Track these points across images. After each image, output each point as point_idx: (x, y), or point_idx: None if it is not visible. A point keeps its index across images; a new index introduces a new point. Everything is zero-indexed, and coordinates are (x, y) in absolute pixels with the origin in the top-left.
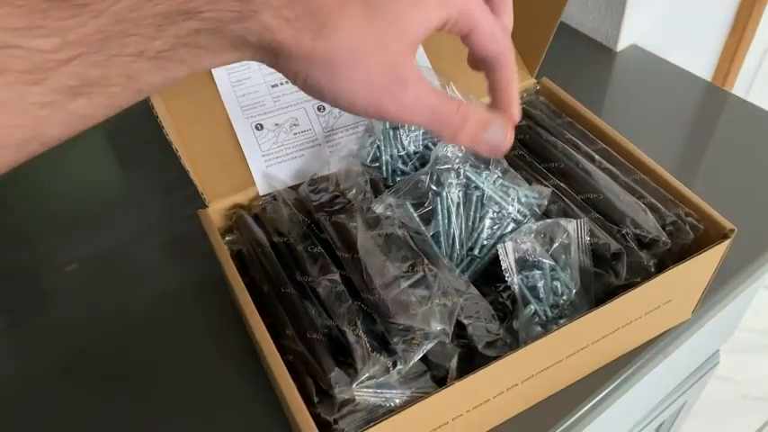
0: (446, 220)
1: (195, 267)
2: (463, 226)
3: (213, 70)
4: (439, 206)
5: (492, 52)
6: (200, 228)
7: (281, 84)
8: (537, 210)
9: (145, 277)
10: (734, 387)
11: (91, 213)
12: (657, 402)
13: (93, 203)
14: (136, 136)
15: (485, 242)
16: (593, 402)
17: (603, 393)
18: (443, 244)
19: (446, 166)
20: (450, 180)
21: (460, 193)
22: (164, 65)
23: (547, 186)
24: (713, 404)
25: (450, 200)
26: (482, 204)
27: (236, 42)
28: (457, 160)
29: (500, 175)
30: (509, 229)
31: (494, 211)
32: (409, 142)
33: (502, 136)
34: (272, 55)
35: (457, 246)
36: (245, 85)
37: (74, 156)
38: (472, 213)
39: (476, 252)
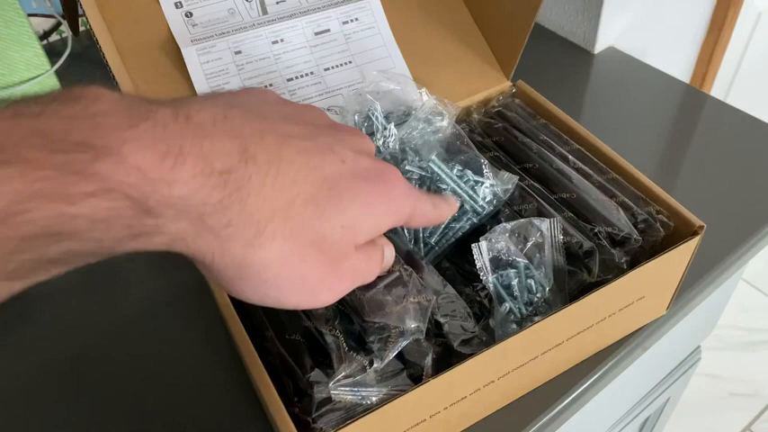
0: None
1: (180, 275)
2: None
3: (191, 74)
4: None
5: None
6: None
7: None
8: (502, 196)
9: (130, 284)
10: (721, 384)
11: None
12: (640, 398)
13: None
14: None
15: (440, 232)
16: (571, 397)
17: (582, 388)
18: (404, 229)
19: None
20: (407, 167)
21: (417, 181)
22: (20, 280)
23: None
24: (701, 401)
25: None
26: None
27: (131, 251)
28: (424, 144)
29: (460, 168)
30: (468, 221)
31: None
32: (386, 147)
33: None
34: (187, 257)
35: (412, 233)
36: (224, 89)
37: None
38: None
39: (431, 241)
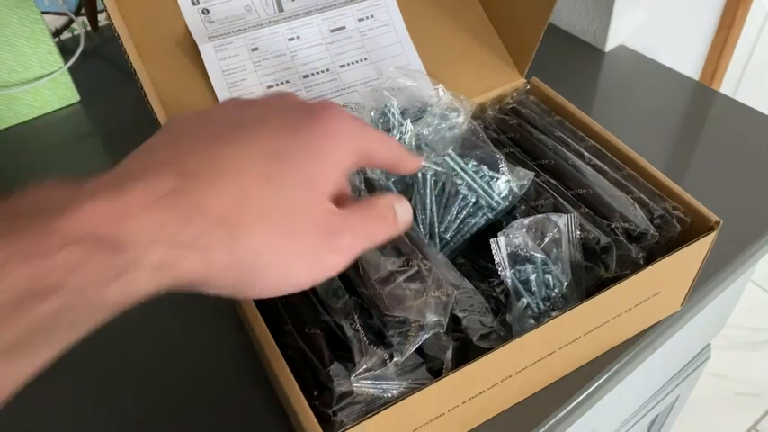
0: (418, 203)
1: None
2: (435, 209)
3: (208, 70)
4: (415, 186)
5: (394, 161)
6: None
7: (277, 85)
8: (517, 192)
9: None
10: (727, 384)
11: None
12: (651, 396)
13: None
14: (132, 140)
15: (455, 227)
16: (586, 393)
17: (597, 384)
18: (419, 223)
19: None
20: (423, 162)
21: (432, 177)
22: (23, 353)
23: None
24: (706, 400)
25: (423, 181)
26: (457, 190)
27: (122, 299)
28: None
29: (476, 164)
30: (483, 217)
31: (468, 199)
32: (402, 141)
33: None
34: (185, 287)
35: (428, 227)
36: (241, 86)
37: (70, 158)
38: (445, 198)
39: (447, 236)
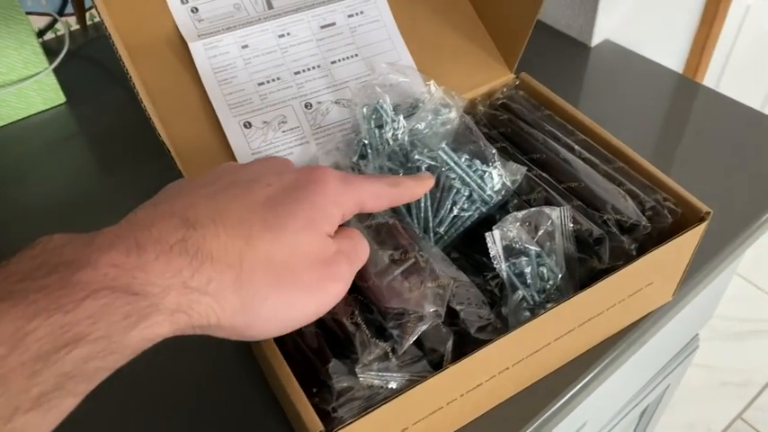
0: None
1: None
2: (429, 203)
3: (198, 69)
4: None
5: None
6: None
7: (268, 82)
8: (510, 186)
9: None
10: (713, 374)
11: (73, 221)
12: (642, 386)
13: (75, 208)
14: (118, 141)
15: (449, 221)
16: (581, 384)
17: (591, 375)
18: (414, 218)
19: (420, 144)
20: (417, 156)
21: (427, 171)
22: (50, 405)
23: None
24: (693, 391)
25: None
26: (450, 185)
27: (143, 343)
28: (432, 136)
29: (469, 158)
30: (476, 211)
31: (462, 193)
32: (395, 139)
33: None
34: (199, 329)
35: (422, 222)
36: (231, 83)
37: (56, 160)
38: (438, 193)
39: (440, 230)
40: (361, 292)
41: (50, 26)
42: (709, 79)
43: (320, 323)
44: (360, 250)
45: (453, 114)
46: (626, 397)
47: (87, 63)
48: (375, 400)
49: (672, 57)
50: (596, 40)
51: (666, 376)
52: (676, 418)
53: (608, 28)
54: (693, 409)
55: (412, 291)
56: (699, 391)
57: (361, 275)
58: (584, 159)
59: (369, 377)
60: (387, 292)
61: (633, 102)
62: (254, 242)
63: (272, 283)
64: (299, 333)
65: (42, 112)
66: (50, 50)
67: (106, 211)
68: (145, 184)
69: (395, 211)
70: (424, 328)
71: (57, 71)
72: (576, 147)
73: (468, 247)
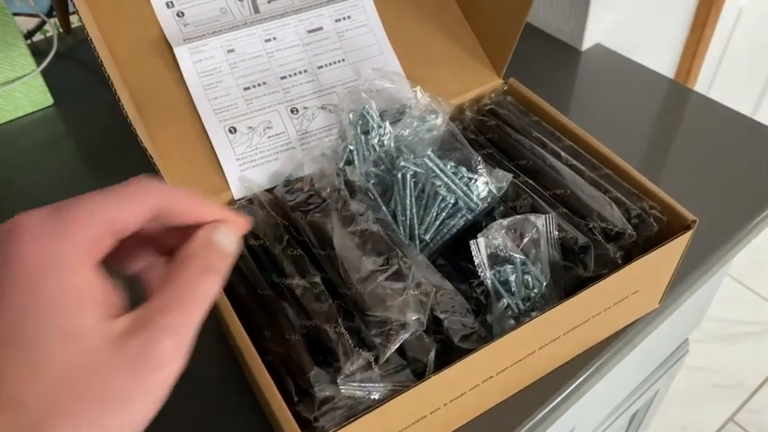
0: (398, 204)
1: None
2: (414, 211)
3: (184, 73)
4: (395, 188)
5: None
6: None
7: (254, 86)
8: (496, 193)
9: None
10: (705, 376)
11: None
12: (630, 392)
13: None
14: (106, 144)
15: (435, 228)
16: (567, 391)
17: (577, 383)
18: (399, 225)
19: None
20: (402, 163)
21: (412, 178)
22: None
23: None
24: (685, 393)
25: (402, 183)
26: (435, 192)
27: None
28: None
29: (454, 165)
30: (462, 218)
31: (447, 200)
32: (381, 145)
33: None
34: None
35: (408, 229)
36: (217, 88)
37: (44, 162)
38: (424, 200)
39: (426, 237)
40: (343, 299)
41: (39, 27)
42: (701, 83)
43: (303, 331)
44: (197, 298)
45: (440, 120)
46: (614, 402)
47: (76, 65)
48: (358, 409)
49: (663, 61)
50: (587, 44)
51: (656, 381)
52: (667, 420)
53: (599, 32)
54: (685, 412)
55: (394, 298)
56: (691, 394)
57: (343, 282)
58: (571, 166)
59: (350, 388)
60: (369, 300)
61: (624, 106)
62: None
63: (75, 422)
64: (282, 340)
65: (30, 114)
66: (39, 52)
67: None
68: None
69: (380, 218)
70: (406, 336)
71: (45, 73)
72: (563, 153)
73: (454, 255)
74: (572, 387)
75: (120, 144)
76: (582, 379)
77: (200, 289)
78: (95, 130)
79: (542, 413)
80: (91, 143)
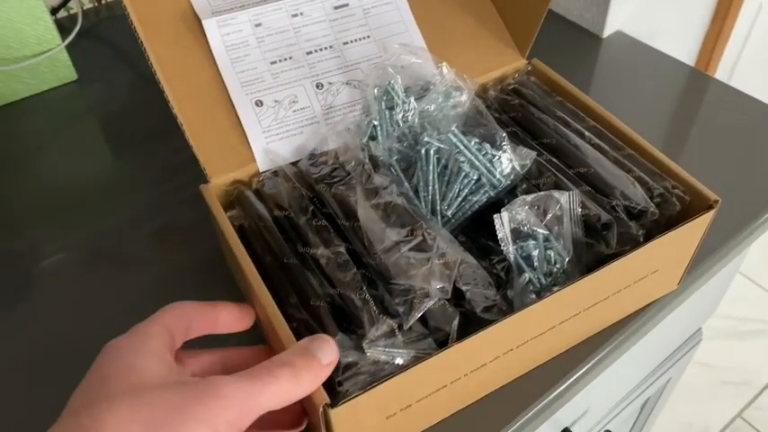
0: (420, 180)
1: (184, 255)
2: (437, 186)
3: (211, 46)
4: (418, 163)
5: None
6: (189, 216)
7: (280, 61)
8: (519, 171)
9: (136, 262)
10: (713, 373)
11: (81, 199)
12: (644, 377)
13: (84, 186)
14: (128, 121)
15: (457, 204)
16: (584, 369)
17: (594, 361)
18: (421, 200)
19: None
20: (426, 138)
21: (435, 154)
22: None
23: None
24: (693, 389)
25: (426, 158)
26: (459, 168)
27: None
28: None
29: (478, 141)
30: (485, 194)
31: (470, 176)
32: (405, 121)
33: (329, 345)
34: None
35: (429, 204)
36: (244, 61)
37: (67, 137)
38: (447, 176)
39: (448, 213)
40: (366, 269)
41: (64, 4)
42: (721, 74)
43: (327, 299)
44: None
45: (464, 97)
46: (628, 387)
47: (99, 42)
48: (380, 375)
49: (684, 51)
50: (608, 31)
51: (668, 369)
52: (675, 416)
53: (620, 19)
54: (693, 408)
55: (419, 267)
56: (698, 390)
57: (367, 252)
58: (594, 146)
59: (376, 352)
60: (393, 269)
61: (644, 94)
62: None
63: None
64: (307, 306)
65: (54, 89)
66: (63, 28)
67: (115, 189)
68: (153, 165)
69: (403, 192)
70: (430, 304)
71: (68, 49)
72: (587, 133)
73: (475, 232)
74: (589, 365)
75: (141, 122)
76: (598, 358)
77: (275, 373)
78: (118, 108)
79: (558, 390)
80: (113, 120)
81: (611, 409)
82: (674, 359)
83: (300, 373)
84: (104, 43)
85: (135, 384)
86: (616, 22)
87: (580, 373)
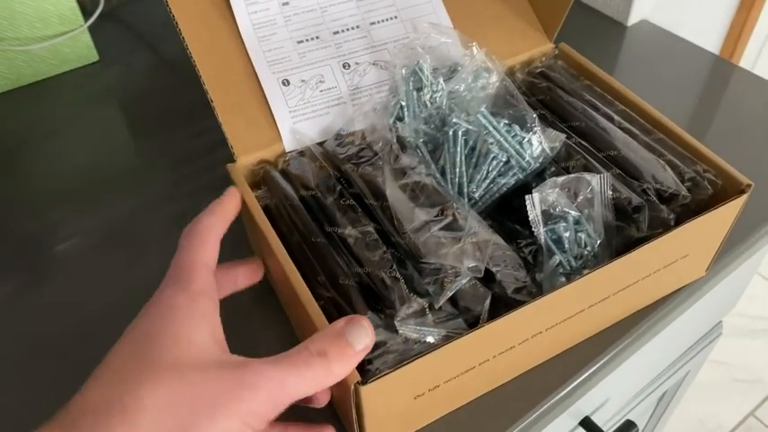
0: (448, 161)
1: None
2: (465, 168)
3: (239, 24)
4: (445, 145)
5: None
6: (208, 200)
7: (307, 40)
8: (549, 153)
9: (153, 248)
10: (726, 371)
11: (100, 181)
12: (664, 368)
13: (103, 167)
14: (148, 104)
15: (485, 186)
16: (609, 356)
17: (618, 348)
18: (449, 182)
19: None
20: (455, 120)
21: (463, 135)
22: None
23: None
24: (705, 387)
25: (453, 140)
26: (488, 150)
27: None
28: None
29: (507, 123)
30: (513, 177)
31: (499, 158)
32: (433, 102)
33: (364, 329)
34: None
35: (456, 186)
36: (270, 40)
37: (88, 118)
38: (475, 158)
39: (476, 195)
40: (395, 248)
41: None
42: (745, 62)
43: (356, 278)
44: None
45: (494, 78)
46: (648, 377)
47: (120, 24)
48: (408, 355)
49: (708, 40)
50: (633, 20)
51: (687, 362)
52: (687, 413)
53: (645, 8)
54: (705, 405)
55: (450, 247)
56: (710, 388)
57: (396, 231)
58: (624, 129)
59: (408, 330)
60: (424, 248)
61: (668, 82)
62: None
63: None
64: (336, 285)
65: (75, 70)
66: (85, 10)
67: (133, 173)
68: (172, 150)
69: (430, 173)
70: (463, 282)
71: (90, 30)
72: (616, 117)
73: (502, 215)
74: (613, 353)
75: (161, 105)
76: (623, 345)
77: (310, 363)
78: (138, 90)
79: (584, 376)
80: (133, 102)
81: (629, 401)
82: (694, 352)
83: (333, 364)
84: (126, 26)
85: (178, 359)
86: (641, 10)
87: (604, 360)
